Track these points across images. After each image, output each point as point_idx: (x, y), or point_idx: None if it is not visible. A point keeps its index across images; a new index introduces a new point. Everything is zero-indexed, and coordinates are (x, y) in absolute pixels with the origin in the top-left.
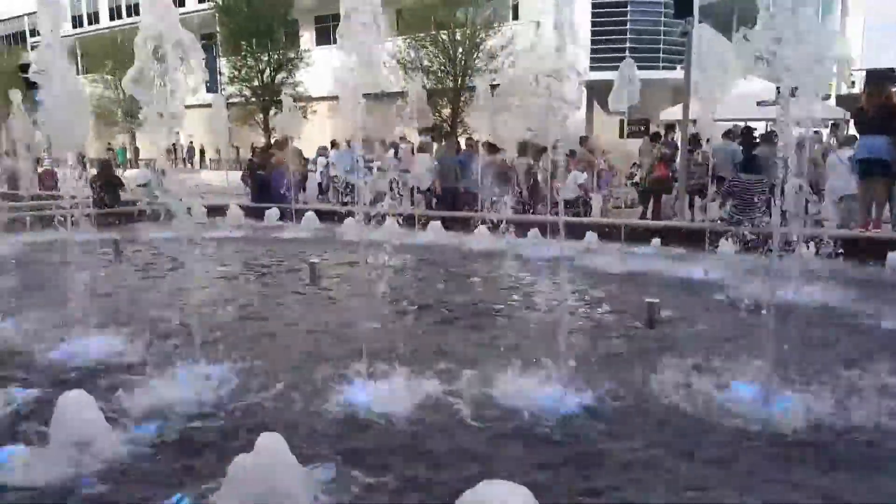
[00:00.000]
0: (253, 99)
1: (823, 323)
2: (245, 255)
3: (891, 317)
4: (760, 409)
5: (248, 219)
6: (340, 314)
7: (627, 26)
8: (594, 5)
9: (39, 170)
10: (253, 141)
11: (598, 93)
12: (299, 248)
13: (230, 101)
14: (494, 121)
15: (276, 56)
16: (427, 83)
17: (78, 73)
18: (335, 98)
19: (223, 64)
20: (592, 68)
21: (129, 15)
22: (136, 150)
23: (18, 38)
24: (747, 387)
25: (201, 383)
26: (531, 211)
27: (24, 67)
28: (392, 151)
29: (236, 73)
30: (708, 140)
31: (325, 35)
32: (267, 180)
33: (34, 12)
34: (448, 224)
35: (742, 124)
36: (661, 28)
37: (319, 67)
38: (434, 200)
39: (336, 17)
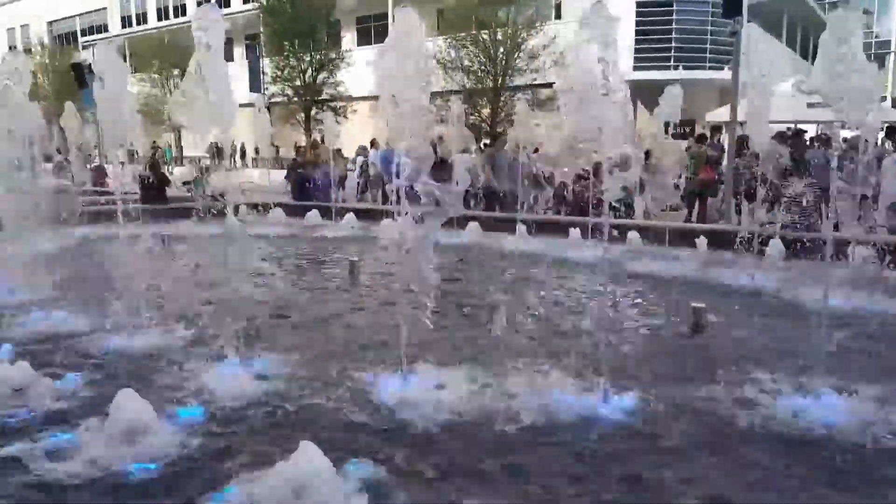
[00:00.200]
0: (295, 98)
1: (879, 332)
2: (285, 253)
3: None
4: (810, 419)
5: (289, 217)
6: (379, 312)
7: (673, 25)
8: (639, 4)
9: (90, 166)
10: (296, 140)
11: (641, 93)
12: (339, 246)
13: (272, 100)
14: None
15: (317, 56)
16: (467, 83)
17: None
18: (375, 98)
19: (266, 64)
20: (636, 68)
21: (175, 16)
22: (181, 149)
23: (70, 38)
24: (796, 395)
25: (245, 375)
26: (573, 212)
27: (77, 67)
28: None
29: (279, 72)
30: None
31: (366, 35)
32: (307, 178)
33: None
34: (488, 224)
35: (793, 126)
36: (708, 28)
37: (360, 68)
38: (473, 201)
39: (377, 18)
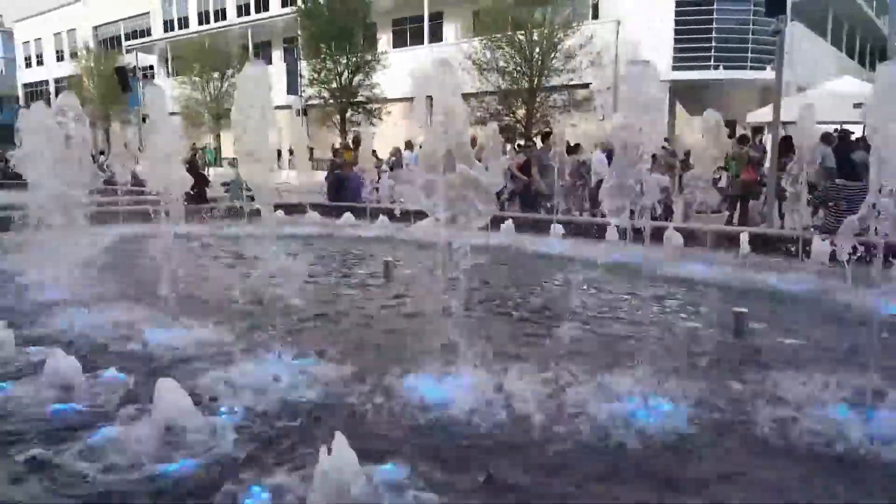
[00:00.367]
0: (330, 101)
1: None
2: (322, 253)
3: None
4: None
5: (325, 217)
6: (414, 313)
7: (713, 24)
8: (678, 2)
9: (133, 167)
10: (333, 142)
11: (680, 93)
12: (374, 246)
13: (309, 102)
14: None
15: (354, 59)
16: (502, 84)
17: (168, 76)
18: (410, 99)
19: (303, 67)
20: (675, 68)
21: (216, 20)
22: (219, 150)
23: (114, 42)
24: (842, 405)
25: (284, 372)
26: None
27: (120, 70)
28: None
29: (316, 75)
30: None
31: (402, 37)
32: (344, 179)
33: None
34: (522, 225)
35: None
36: (750, 27)
37: (395, 70)
38: (507, 200)
39: (413, 20)
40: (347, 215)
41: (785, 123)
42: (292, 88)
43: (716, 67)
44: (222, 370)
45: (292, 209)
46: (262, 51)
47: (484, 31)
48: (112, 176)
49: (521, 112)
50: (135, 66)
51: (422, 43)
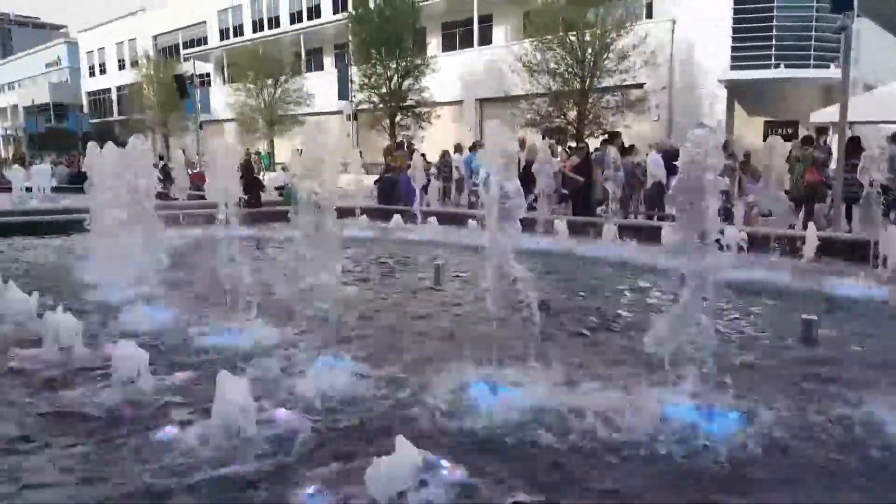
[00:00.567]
0: (380, 105)
1: None
2: (373, 256)
3: None
4: None
5: (375, 221)
6: (465, 316)
7: (774, 21)
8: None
9: (190, 172)
10: (383, 146)
11: (739, 93)
12: (424, 250)
13: (359, 107)
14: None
15: (403, 63)
16: (553, 85)
17: (224, 83)
18: (459, 103)
19: (354, 72)
20: (734, 67)
21: (270, 28)
22: (272, 155)
23: (173, 51)
24: None
25: (339, 375)
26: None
27: (179, 78)
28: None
29: (366, 80)
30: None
31: (451, 41)
32: (394, 182)
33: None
34: (575, 227)
35: None
36: (813, 23)
37: (445, 73)
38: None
39: (462, 24)
40: (397, 216)
41: (851, 123)
42: (343, 94)
43: (776, 66)
44: (275, 369)
45: (343, 212)
46: (314, 57)
47: (534, 32)
48: (171, 184)
49: (572, 114)
50: (192, 74)
51: (471, 46)
